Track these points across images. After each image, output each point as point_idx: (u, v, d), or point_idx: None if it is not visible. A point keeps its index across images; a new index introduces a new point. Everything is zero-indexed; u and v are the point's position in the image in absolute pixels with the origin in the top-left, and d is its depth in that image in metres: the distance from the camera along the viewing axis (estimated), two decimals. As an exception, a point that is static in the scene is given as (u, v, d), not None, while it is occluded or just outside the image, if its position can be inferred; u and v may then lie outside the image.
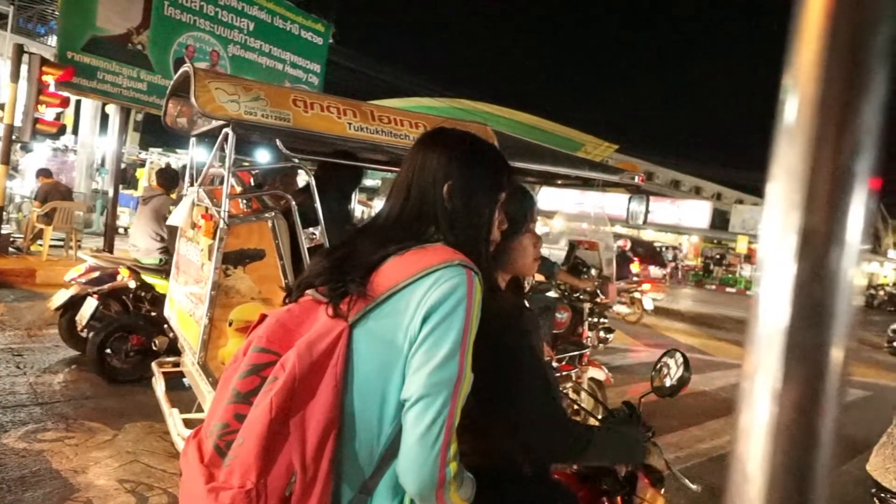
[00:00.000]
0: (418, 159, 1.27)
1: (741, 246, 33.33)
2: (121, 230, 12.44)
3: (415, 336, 1.08)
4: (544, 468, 1.59)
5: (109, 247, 8.69)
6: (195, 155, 3.89)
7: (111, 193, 9.33)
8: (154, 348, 4.76)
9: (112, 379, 4.77)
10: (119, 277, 5.06)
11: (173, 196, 5.66)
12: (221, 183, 3.34)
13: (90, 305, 4.96)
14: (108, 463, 3.44)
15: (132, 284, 5.04)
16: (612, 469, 1.92)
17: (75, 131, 15.58)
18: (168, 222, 3.67)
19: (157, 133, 19.93)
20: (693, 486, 1.90)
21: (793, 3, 0.33)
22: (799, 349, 0.31)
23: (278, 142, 2.98)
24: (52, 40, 14.09)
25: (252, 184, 4.66)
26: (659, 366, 2.01)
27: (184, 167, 5.30)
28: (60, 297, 5.08)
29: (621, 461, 1.60)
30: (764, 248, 0.32)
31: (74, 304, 5.14)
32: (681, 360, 1.89)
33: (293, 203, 3.08)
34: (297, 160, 3.14)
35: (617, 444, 1.56)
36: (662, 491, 1.99)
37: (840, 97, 0.31)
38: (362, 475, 1.11)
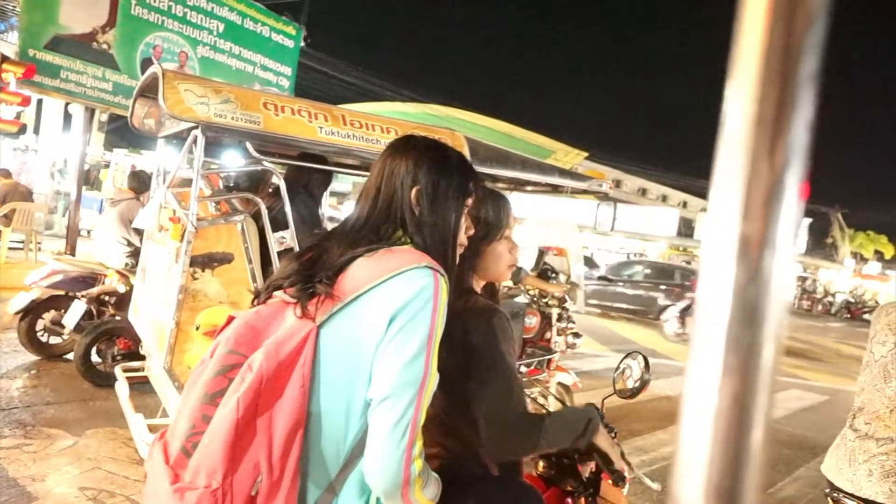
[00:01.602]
0: (387, 165, 1.31)
1: (706, 253, 33.90)
2: (83, 232, 12.15)
3: (381, 336, 1.10)
4: (513, 469, 1.62)
5: (72, 249, 8.48)
6: (163, 157, 3.85)
7: (73, 195, 9.12)
8: (141, 352, 4.68)
9: (98, 383, 4.69)
10: (108, 281, 4.99)
11: (143, 200, 5.57)
12: (190, 185, 3.30)
13: (78, 308, 4.85)
14: (68, 470, 3.36)
15: (122, 289, 4.94)
16: (576, 470, 1.97)
17: (36, 130, 15.17)
18: (134, 224, 3.62)
19: (122, 134, 19.52)
20: (654, 485, 1.95)
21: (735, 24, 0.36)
22: (736, 346, 0.34)
23: (248, 145, 2.97)
24: (13, 37, 13.71)
25: (221, 186, 4.62)
26: (621, 368, 2.06)
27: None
28: (20, 301, 4.94)
29: (574, 441, 1.60)
30: (705, 253, 0.35)
31: (36, 307, 5.02)
32: (642, 362, 1.93)
33: (263, 206, 3.07)
34: (267, 163, 3.14)
35: (564, 427, 1.55)
36: (625, 491, 2.04)
37: (773, 113, 0.34)
38: (329, 474, 1.13)
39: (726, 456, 0.33)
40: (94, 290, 4.96)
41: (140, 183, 5.92)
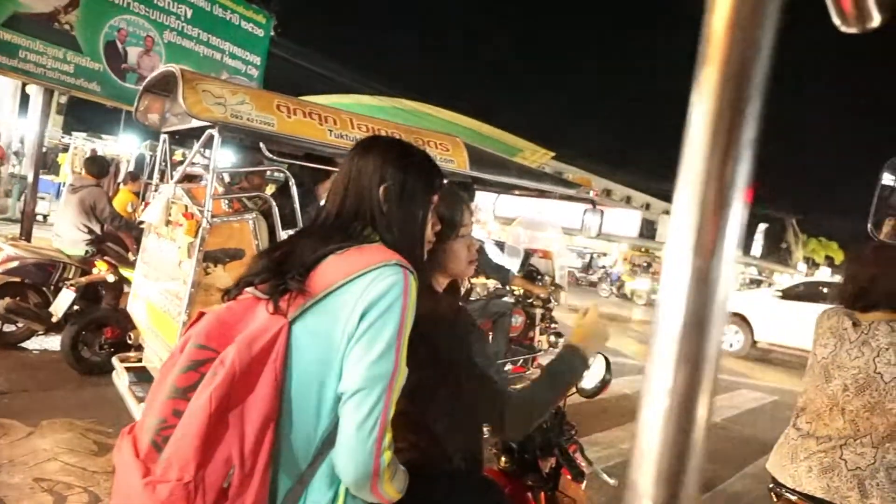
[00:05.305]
0: (355, 163, 1.33)
1: (667, 255, 34.48)
2: (39, 217, 11.77)
3: (352, 332, 1.12)
4: (475, 464, 1.67)
5: (27, 235, 8.22)
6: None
7: (30, 178, 8.83)
8: (129, 342, 4.59)
9: (85, 371, 4.68)
10: (95, 270, 4.93)
11: (103, 185, 5.47)
12: (188, 181, 3.35)
13: (67, 297, 4.75)
14: (23, 461, 3.30)
15: (110, 278, 4.87)
16: (538, 465, 2.03)
17: (-10, 111, 14.62)
18: (142, 218, 3.63)
19: (81, 117, 18.97)
20: (611, 481, 2.04)
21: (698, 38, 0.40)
22: (685, 352, 0.39)
23: (262, 145, 3.02)
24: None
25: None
26: None
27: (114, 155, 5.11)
28: (-28, 288, 4.80)
29: (569, 387, 1.59)
30: (665, 263, 0.40)
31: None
32: (603, 362, 2.00)
33: (273, 204, 3.11)
34: (279, 164, 3.21)
35: (553, 384, 1.55)
36: (583, 486, 2.11)
37: (726, 119, 0.38)
38: (299, 466, 1.15)
39: (673, 451, 0.38)
40: (83, 280, 4.87)
41: (100, 168, 5.79)
